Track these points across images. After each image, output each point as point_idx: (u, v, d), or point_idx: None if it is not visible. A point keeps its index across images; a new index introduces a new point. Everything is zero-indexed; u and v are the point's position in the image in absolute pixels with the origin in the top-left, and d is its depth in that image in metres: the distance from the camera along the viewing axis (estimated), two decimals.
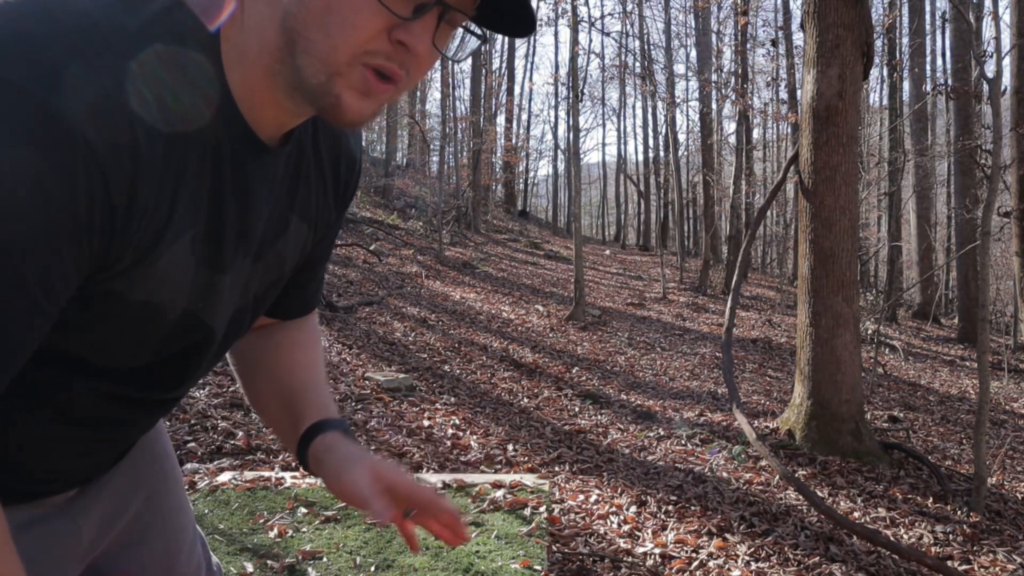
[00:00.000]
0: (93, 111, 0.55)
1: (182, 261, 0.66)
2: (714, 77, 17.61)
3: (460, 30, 0.67)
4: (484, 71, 21.36)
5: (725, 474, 4.01)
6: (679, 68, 23.19)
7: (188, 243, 0.65)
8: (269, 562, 2.27)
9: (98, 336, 0.66)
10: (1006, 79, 8.12)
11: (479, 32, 0.67)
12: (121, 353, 0.70)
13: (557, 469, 3.97)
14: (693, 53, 21.91)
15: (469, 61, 21.18)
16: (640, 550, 2.90)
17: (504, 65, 25.39)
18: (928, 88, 14.63)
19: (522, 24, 0.66)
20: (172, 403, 0.83)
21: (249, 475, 3.06)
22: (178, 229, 0.64)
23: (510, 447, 4.30)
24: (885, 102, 17.99)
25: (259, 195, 0.71)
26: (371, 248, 11.10)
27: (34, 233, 0.54)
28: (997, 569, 3.11)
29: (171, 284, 0.66)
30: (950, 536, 3.41)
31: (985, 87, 8.68)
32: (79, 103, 0.54)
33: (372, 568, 2.26)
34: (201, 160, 0.64)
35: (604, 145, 40.70)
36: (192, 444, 3.64)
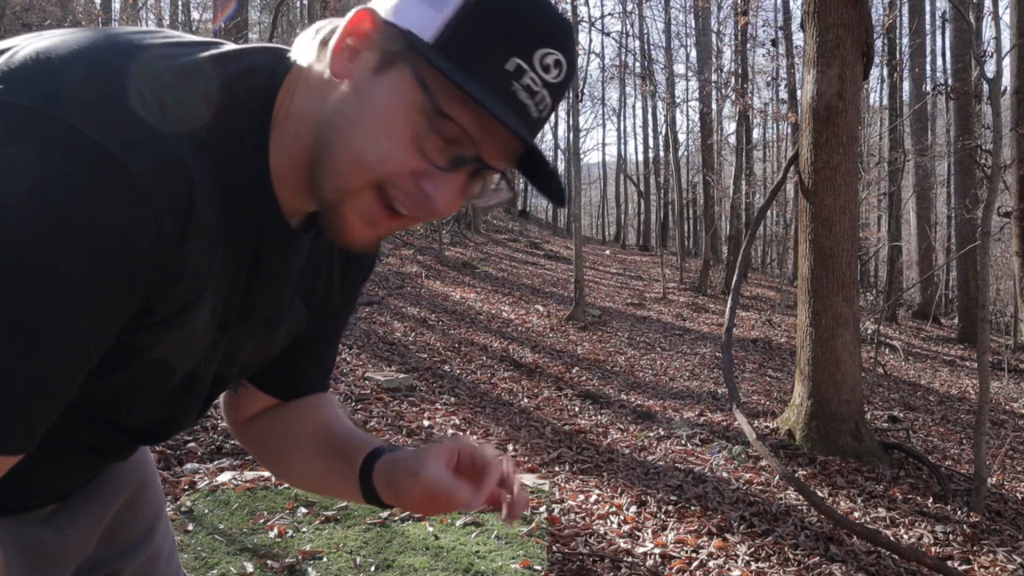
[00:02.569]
0: (158, 171, 0.56)
1: (204, 326, 0.67)
2: (714, 77, 17.61)
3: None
4: None
5: (725, 474, 4.01)
6: (679, 68, 23.20)
7: (211, 307, 0.67)
8: (269, 562, 2.27)
9: (103, 388, 0.66)
10: (1006, 79, 8.12)
11: (511, 186, 0.67)
12: (120, 406, 0.70)
13: (557, 469, 3.97)
14: (693, 53, 21.92)
15: None
16: (640, 550, 2.90)
17: None
18: (928, 88, 14.63)
19: (554, 196, 0.66)
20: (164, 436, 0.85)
21: (249, 475, 3.06)
22: (208, 294, 0.65)
23: (510, 447, 4.30)
24: (885, 102, 17.99)
25: (275, 272, 0.72)
26: None
27: (91, 284, 0.55)
28: (997, 569, 3.11)
29: (188, 346, 0.67)
30: (950, 536, 3.41)
31: (985, 87, 8.68)
32: (147, 162, 0.55)
33: (372, 568, 2.26)
34: (235, 229, 0.65)
35: (604, 145, 40.76)
36: (192, 444, 3.64)
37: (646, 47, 22.55)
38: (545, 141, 36.19)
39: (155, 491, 0.99)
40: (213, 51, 0.63)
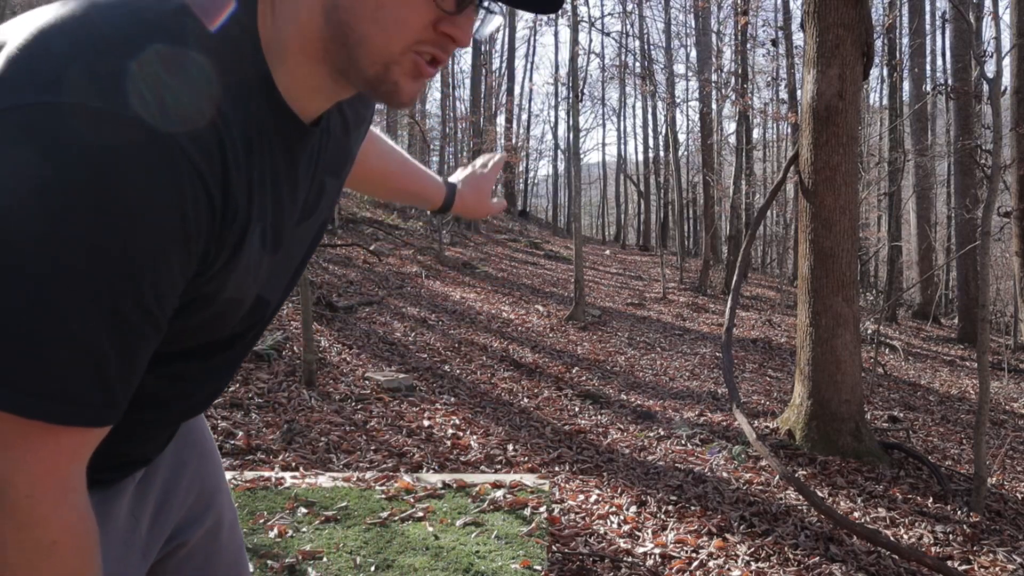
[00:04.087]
0: (187, 123, 0.57)
1: (256, 253, 0.69)
2: (714, 77, 17.60)
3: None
4: (484, 71, 21.36)
5: (725, 474, 4.01)
6: (679, 68, 23.19)
7: (259, 235, 0.69)
8: (269, 562, 2.27)
9: (180, 332, 0.68)
10: (1006, 79, 8.12)
11: (498, 9, 0.71)
12: (194, 340, 0.73)
13: (557, 469, 3.97)
14: (693, 53, 21.91)
15: (469, 61, 21.18)
16: (640, 550, 2.90)
17: (504, 65, 25.37)
18: (928, 88, 14.63)
19: (547, 3, 0.69)
20: (230, 375, 0.87)
21: (249, 475, 3.06)
22: (255, 224, 0.67)
23: (510, 447, 4.30)
24: (885, 102, 17.99)
25: (304, 173, 0.75)
26: (371, 248, 11.10)
27: (150, 251, 0.56)
28: (997, 569, 3.11)
29: (248, 277, 0.70)
30: (950, 536, 3.41)
31: (985, 87, 8.68)
32: (176, 117, 0.56)
33: (372, 568, 2.26)
34: (262, 154, 0.67)
35: (604, 145, 40.78)
36: None
37: (646, 47, 22.56)
38: (545, 141, 36.22)
39: (216, 462, 1.02)
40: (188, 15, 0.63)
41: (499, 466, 3.95)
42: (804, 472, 4.11)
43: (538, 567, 2.26)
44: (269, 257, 0.73)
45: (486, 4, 0.67)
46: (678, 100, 19.54)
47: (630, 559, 2.80)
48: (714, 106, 18.43)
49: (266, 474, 3.08)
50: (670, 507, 3.43)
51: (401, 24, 0.63)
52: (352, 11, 0.62)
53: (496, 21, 0.73)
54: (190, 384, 0.79)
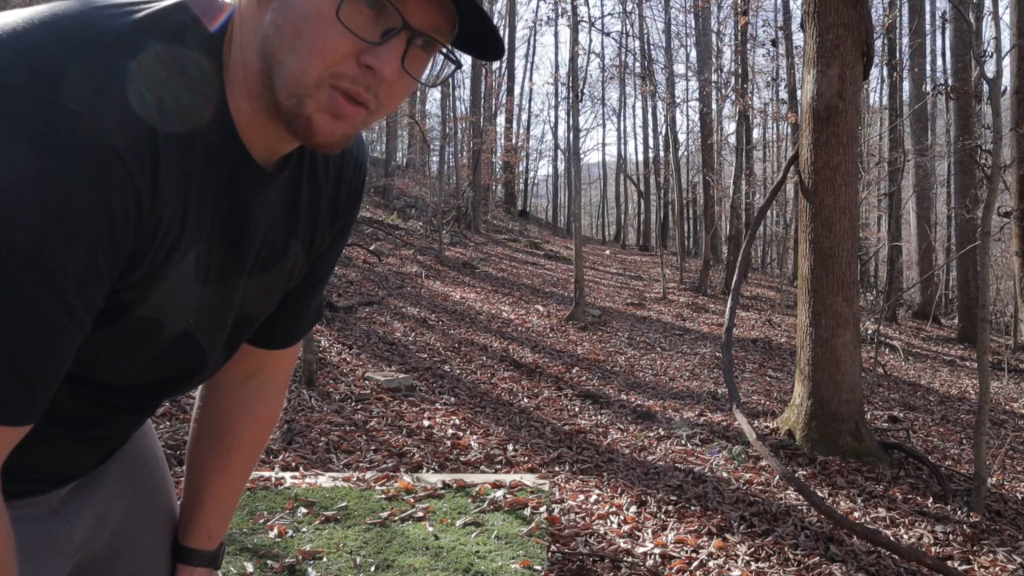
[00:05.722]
0: (121, 121, 0.57)
1: (188, 278, 0.68)
2: (714, 77, 17.59)
3: (437, 55, 0.67)
4: (484, 71, 21.34)
5: (725, 474, 4.01)
6: (679, 68, 23.17)
7: (193, 260, 0.67)
8: (269, 562, 2.27)
9: (92, 347, 0.66)
10: (1006, 79, 8.12)
11: (455, 58, 0.68)
12: (111, 367, 0.70)
13: (557, 469, 3.97)
14: (693, 53, 21.92)
15: (469, 61, 21.19)
16: (640, 550, 2.90)
17: (504, 65, 25.36)
18: (928, 88, 14.63)
19: (490, 50, 0.66)
20: (154, 409, 0.84)
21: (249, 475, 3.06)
22: (188, 244, 0.65)
23: (510, 447, 4.30)
24: (885, 102, 18.00)
25: (255, 217, 0.72)
26: (371, 248, 11.10)
27: (74, 247, 0.55)
28: (997, 569, 3.11)
29: (175, 301, 0.68)
30: (950, 536, 3.41)
31: (985, 87, 8.68)
32: (109, 113, 0.56)
33: (372, 568, 2.26)
34: (204, 176, 0.65)
35: (604, 145, 40.80)
36: None
37: (646, 47, 22.55)
38: (545, 141, 36.22)
39: (167, 490, 0.99)
40: (156, 7, 0.64)
41: (499, 466, 3.95)
42: (804, 472, 4.11)
43: (538, 567, 2.26)
44: (201, 288, 0.70)
45: (419, 42, 0.63)
46: (678, 100, 19.54)
47: (630, 559, 2.80)
48: (714, 106, 18.42)
49: (266, 474, 3.08)
50: (670, 507, 3.43)
51: (315, 53, 0.60)
52: (275, 42, 0.61)
53: (448, 69, 0.69)
54: (100, 408, 0.75)
